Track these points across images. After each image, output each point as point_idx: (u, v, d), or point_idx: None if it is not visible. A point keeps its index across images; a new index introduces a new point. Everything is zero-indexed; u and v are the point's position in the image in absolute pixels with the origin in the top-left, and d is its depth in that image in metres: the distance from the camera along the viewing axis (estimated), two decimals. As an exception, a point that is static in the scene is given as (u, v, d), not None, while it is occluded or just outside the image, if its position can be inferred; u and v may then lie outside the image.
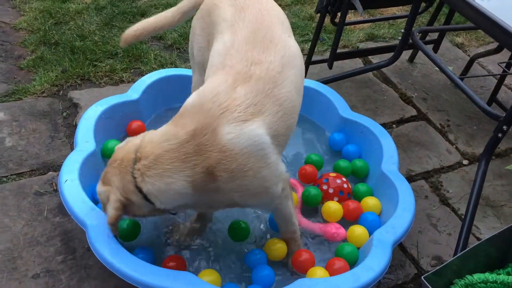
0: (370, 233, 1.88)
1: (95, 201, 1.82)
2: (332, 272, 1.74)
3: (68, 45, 2.87)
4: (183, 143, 1.41)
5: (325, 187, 2.04)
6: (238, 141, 1.40)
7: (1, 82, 2.61)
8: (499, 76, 2.78)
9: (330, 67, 2.74)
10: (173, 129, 1.46)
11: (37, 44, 2.89)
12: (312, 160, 2.21)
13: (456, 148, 2.59)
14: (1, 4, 3.21)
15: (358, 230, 1.91)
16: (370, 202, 2.04)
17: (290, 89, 1.56)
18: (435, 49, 3.01)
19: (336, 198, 2.03)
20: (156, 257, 1.79)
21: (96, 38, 2.96)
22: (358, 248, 1.87)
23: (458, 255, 1.54)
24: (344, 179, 2.08)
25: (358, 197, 2.09)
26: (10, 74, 2.67)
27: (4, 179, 2.12)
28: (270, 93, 1.50)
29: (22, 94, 2.54)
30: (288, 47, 1.62)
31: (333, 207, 1.99)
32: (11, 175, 2.14)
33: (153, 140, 1.46)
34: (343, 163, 2.19)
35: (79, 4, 3.26)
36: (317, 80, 2.56)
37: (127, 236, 1.82)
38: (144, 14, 3.22)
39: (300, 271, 1.80)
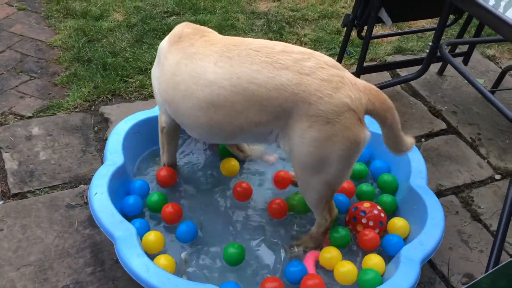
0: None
1: (124, 213, 1.86)
2: None
3: (100, 62, 2.96)
4: None
5: (364, 220, 1.96)
6: None
7: (36, 97, 2.71)
8: (532, 88, 2.71)
9: (357, 80, 2.73)
10: None
11: (71, 61, 2.99)
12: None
13: (488, 162, 2.52)
14: (38, 23, 3.35)
15: (374, 259, 1.83)
16: (398, 223, 1.97)
17: None
18: (465, 62, 2.96)
19: (377, 230, 1.95)
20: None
21: (127, 55, 3.05)
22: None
23: (488, 272, 1.49)
24: (379, 207, 2.01)
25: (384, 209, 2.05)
26: (45, 90, 2.78)
27: (38, 191, 2.19)
28: None
29: (56, 109, 2.63)
30: None
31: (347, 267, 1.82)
32: (44, 188, 2.21)
33: None
34: (366, 187, 2.12)
35: (111, 22, 3.37)
36: (344, 94, 2.55)
37: (155, 208, 1.98)
38: (173, 31, 3.29)
39: None
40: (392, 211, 2.08)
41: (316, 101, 1.55)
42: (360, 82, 1.64)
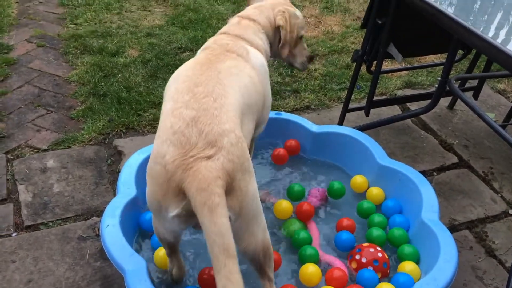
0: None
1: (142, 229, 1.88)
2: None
3: (115, 96, 3.03)
4: None
5: (357, 256, 1.94)
6: None
7: (52, 131, 2.78)
8: (544, 122, 2.70)
9: (367, 114, 2.75)
10: None
11: (87, 95, 3.07)
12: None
13: (501, 196, 2.49)
14: (56, 59, 3.46)
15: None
16: (408, 267, 1.91)
17: None
18: (475, 96, 2.97)
19: (370, 267, 1.91)
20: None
21: (141, 89, 3.12)
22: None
23: (503, 310, 1.46)
24: (378, 248, 1.97)
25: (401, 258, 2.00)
26: (61, 124, 2.84)
27: (51, 223, 2.21)
28: None
29: (71, 142, 2.69)
30: None
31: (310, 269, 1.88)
32: (57, 220, 2.23)
33: None
34: (376, 232, 2.07)
35: (126, 58, 3.46)
36: (354, 127, 2.57)
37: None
38: (186, 66, 3.37)
39: None
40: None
41: None
42: None
